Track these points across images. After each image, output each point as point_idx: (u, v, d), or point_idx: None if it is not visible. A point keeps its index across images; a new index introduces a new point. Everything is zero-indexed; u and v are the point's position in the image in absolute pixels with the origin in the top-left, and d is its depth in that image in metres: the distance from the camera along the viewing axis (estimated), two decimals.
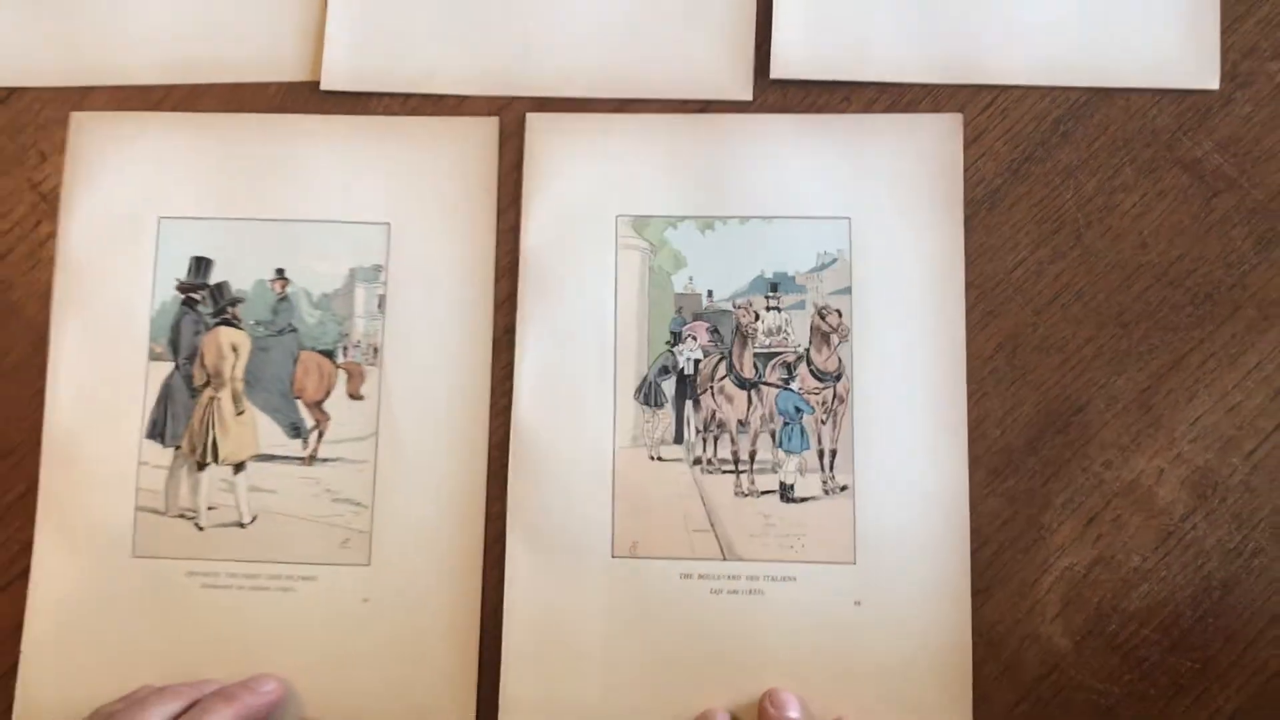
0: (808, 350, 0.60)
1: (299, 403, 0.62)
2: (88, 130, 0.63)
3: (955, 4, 0.62)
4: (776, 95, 0.62)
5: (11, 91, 0.64)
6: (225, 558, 0.60)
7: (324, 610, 0.59)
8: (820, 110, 0.62)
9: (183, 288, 0.62)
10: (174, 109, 0.63)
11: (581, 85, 0.62)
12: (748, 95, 0.62)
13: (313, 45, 0.63)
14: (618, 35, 0.62)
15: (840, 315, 0.60)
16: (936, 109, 0.61)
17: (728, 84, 0.62)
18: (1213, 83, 0.60)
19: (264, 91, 0.63)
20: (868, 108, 0.61)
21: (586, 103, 0.62)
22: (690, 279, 0.61)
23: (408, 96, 0.63)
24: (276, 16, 0.64)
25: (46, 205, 0.63)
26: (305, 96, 0.63)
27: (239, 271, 0.62)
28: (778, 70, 0.61)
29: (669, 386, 0.61)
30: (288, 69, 0.63)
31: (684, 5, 0.63)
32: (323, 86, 0.62)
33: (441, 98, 0.63)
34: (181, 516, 0.60)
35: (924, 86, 0.61)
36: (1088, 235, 0.60)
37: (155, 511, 0.60)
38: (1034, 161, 0.60)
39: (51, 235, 0.62)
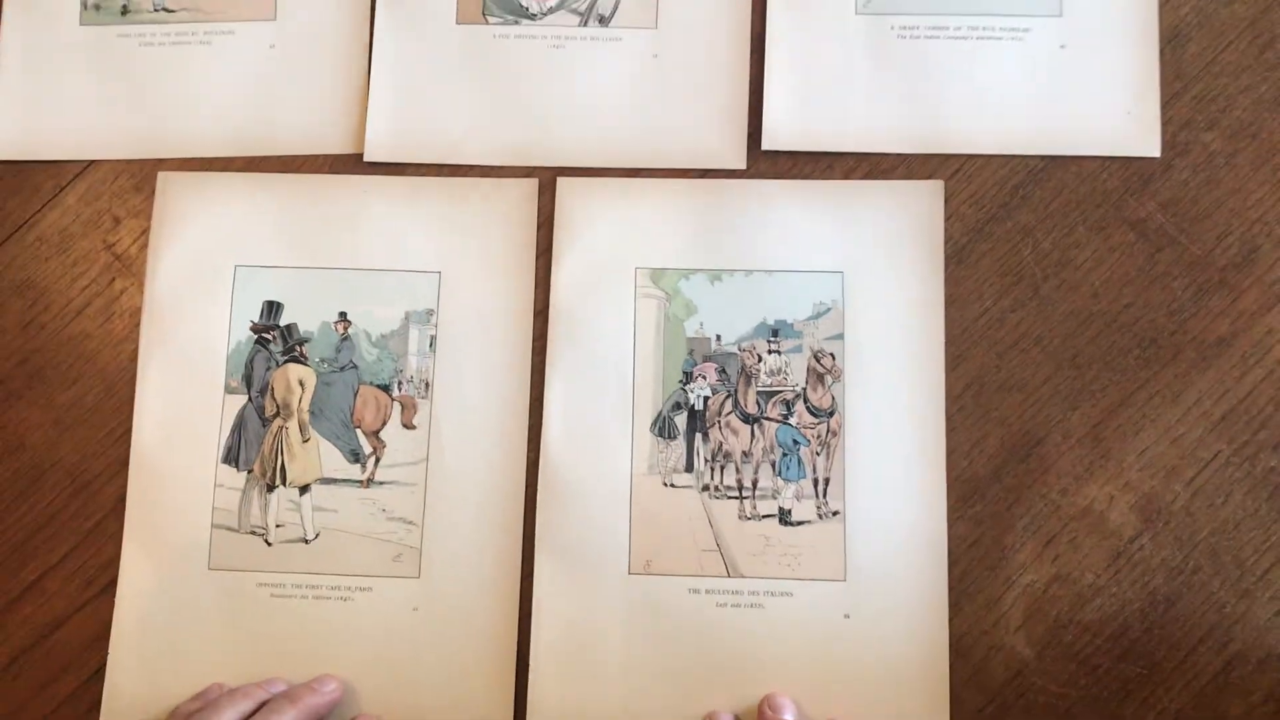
0: (804, 389, 0.63)
1: (358, 431, 0.64)
2: (174, 189, 0.66)
3: (925, 84, 0.65)
4: (767, 163, 0.65)
5: (89, 164, 0.67)
6: (291, 570, 0.62)
7: (378, 618, 0.61)
8: (806, 176, 0.64)
9: (256, 328, 0.65)
10: None
11: (595, 157, 0.66)
12: (741, 164, 0.65)
13: (357, 122, 0.67)
14: (627, 113, 0.66)
15: (834, 358, 0.63)
16: (910, 175, 0.64)
17: (724, 154, 0.65)
18: (1154, 151, 0.63)
19: (313, 162, 0.66)
20: (848, 174, 0.64)
21: (600, 172, 0.65)
22: (701, 324, 0.64)
23: (441, 167, 0.66)
24: (325, 97, 0.67)
25: (120, 264, 0.66)
26: (350, 167, 0.66)
27: (306, 314, 0.65)
28: (768, 142, 0.65)
29: (681, 420, 0.63)
30: (335, 143, 0.67)
31: (685, 86, 0.66)
32: (366, 158, 0.66)
33: (471, 168, 0.66)
34: (252, 533, 0.63)
35: (899, 156, 0.64)
36: (1045, 287, 0.63)
37: (229, 529, 0.63)
38: (996, 221, 0.63)
39: (124, 291, 0.65)
